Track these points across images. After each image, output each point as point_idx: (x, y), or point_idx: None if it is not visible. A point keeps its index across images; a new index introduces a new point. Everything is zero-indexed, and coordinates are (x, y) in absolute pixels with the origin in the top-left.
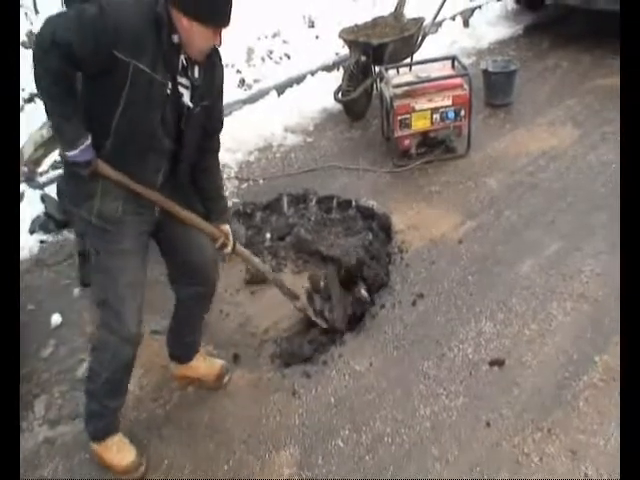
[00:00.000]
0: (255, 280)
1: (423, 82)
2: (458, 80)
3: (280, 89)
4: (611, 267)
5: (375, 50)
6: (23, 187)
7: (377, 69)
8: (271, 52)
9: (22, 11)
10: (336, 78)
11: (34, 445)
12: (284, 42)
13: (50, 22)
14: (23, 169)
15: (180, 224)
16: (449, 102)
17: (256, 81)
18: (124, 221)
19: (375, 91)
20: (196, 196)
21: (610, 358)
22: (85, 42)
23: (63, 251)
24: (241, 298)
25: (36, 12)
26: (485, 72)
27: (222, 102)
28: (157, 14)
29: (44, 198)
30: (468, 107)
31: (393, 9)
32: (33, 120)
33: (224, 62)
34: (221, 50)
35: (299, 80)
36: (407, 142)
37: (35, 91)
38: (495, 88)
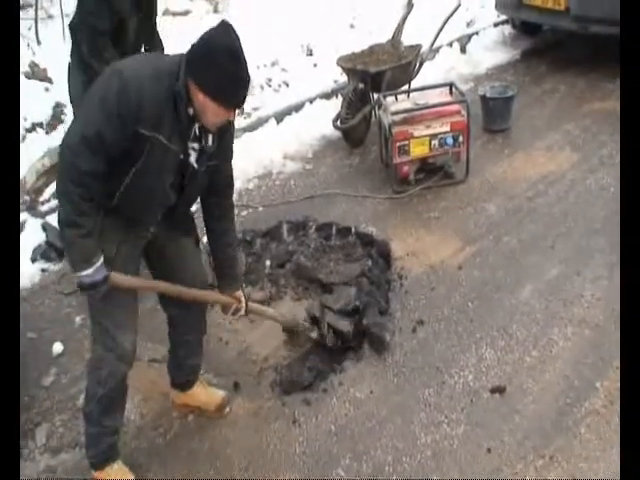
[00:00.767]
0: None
1: (421, 109)
2: (456, 106)
3: (279, 117)
4: (611, 292)
5: (373, 77)
6: (25, 216)
7: (375, 96)
8: (270, 80)
9: (24, 42)
10: (335, 105)
11: (35, 473)
12: (283, 70)
13: (76, 124)
14: (25, 198)
15: (173, 242)
16: (447, 128)
17: (255, 109)
18: (118, 258)
19: (374, 118)
20: (193, 223)
21: (611, 384)
22: (111, 125)
23: (64, 279)
24: (240, 326)
25: (38, 43)
26: (483, 98)
27: (232, 159)
28: (176, 90)
29: (45, 227)
30: (466, 133)
31: (390, 37)
32: (34, 149)
33: None
34: None
35: (298, 108)
36: (406, 168)
37: (36, 120)
38: (493, 114)
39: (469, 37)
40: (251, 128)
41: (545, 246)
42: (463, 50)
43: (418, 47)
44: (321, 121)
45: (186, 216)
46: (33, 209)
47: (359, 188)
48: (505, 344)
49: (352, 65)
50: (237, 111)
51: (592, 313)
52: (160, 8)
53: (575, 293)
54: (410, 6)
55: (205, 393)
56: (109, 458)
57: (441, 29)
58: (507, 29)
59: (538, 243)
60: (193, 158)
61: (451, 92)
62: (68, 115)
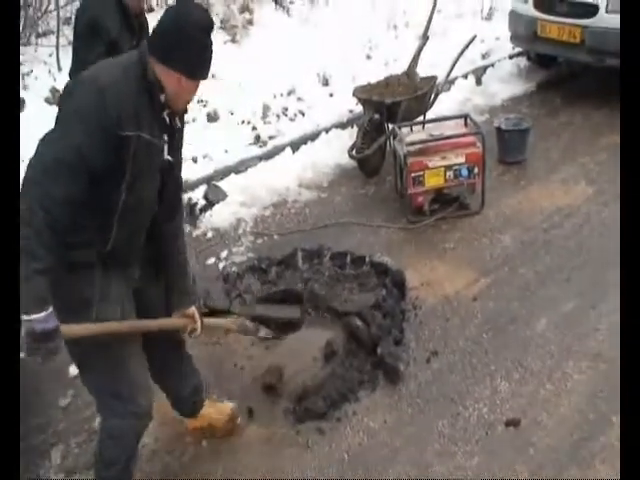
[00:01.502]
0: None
1: (436, 140)
2: (471, 138)
3: (295, 146)
4: None
5: (389, 108)
6: None
7: (391, 127)
8: (286, 109)
9: (45, 68)
10: (350, 135)
11: None
12: (299, 99)
13: (49, 145)
14: None
15: (154, 288)
16: (462, 160)
17: (271, 138)
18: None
19: (389, 148)
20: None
21: None
22: (93, 138)
23: None
24: (255, 352)
25: (59, 69)
26: (498, 130)
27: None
28: (149, 80)
29: None
30: (481, 164)
31: (406, 68)
32: None
33: (241, 119)
34: (236, 107)
35: (313, 137)
36: (421, 199)
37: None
38: (508, 145)
39: (484, 69)
40: (267, 157)
41: (560, 279)
42: (478, 82)
43: (434, 78)
44: (336, 150)
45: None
46: None
47: (374, 218)
48: (520, 377)
49: (368, 96)
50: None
51: (607, 347)
52: None
53: (590, 326)
54: (425, 38)
55: (214, 410)
56: None
57: (456, 61)
58: (522, 61)
59: (553, 275)
60: (166, 151)
61: (466, 124)
62: None
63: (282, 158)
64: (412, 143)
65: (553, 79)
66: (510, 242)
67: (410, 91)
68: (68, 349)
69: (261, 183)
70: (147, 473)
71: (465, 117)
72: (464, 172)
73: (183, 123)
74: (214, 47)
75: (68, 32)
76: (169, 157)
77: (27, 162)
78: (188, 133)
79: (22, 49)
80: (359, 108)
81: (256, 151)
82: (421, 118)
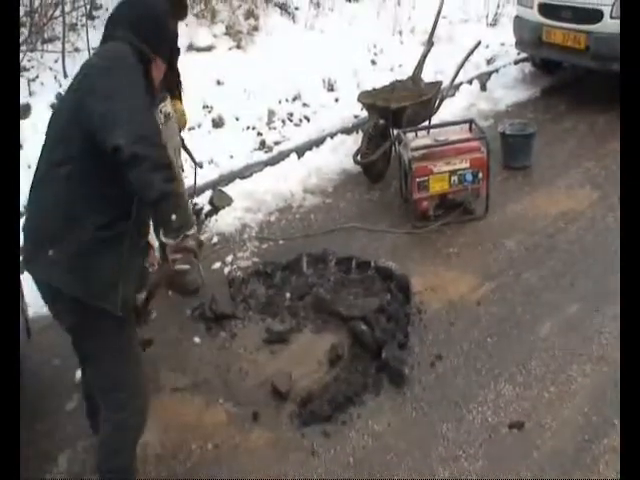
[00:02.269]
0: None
1: (441, 145)
2: (476, 143)
3: (300, 151)
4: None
5: (393, 114)
6: None
7: (395, 132)
8: (291, 115)
9: (52, 74)
10: (355, 140)
11: None
12: (304, 105)
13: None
14: None
15: None
16: (467, 165)
17: (276, 143)
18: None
19: (394, 153)
20: None
21: None
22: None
23: None
24: (260, 357)
25: (65, 75)
26: (503, 135)
27: None
28: (147, 67)
29: None
30: (486, 170)
31: (411, 73)
32: None
33: (246, 124)
34: (241, 112)
35: (319, 142)
36: (425, 204)
37: None
38: (513, 151)
39: (489, 74)
40: (272, 162)
41: (564, 283)
42: (483, 87)
43: (438, 84)
44: (342, 156)
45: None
46: None
47: (379, 223)
48: (524, 380)
49: (373, 101)
50: None
51: (611, 350)
52: (184, 44)
53: (594, 330)
54: (430, 43)
55: None
56: None
57: (461, 66)
58: (527, 67)
59: (558, 280)
60: None
61: (471, 129)
62: None
63: (287, 163)
64: (417, 148)
65: (558, 85)
66: (514, 247)
67: (415, 96)
68: (80, 345)
69: (266, 188)
70: (152, 478)
71: (470, 122)
72: (469, 177)
73: None
74: (219, 51)
75: (74, 38)
76: None
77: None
78: (194, 138)
79: (28, 55)
80: (364, 113)
81: (261, 156)
82: (426, 123)
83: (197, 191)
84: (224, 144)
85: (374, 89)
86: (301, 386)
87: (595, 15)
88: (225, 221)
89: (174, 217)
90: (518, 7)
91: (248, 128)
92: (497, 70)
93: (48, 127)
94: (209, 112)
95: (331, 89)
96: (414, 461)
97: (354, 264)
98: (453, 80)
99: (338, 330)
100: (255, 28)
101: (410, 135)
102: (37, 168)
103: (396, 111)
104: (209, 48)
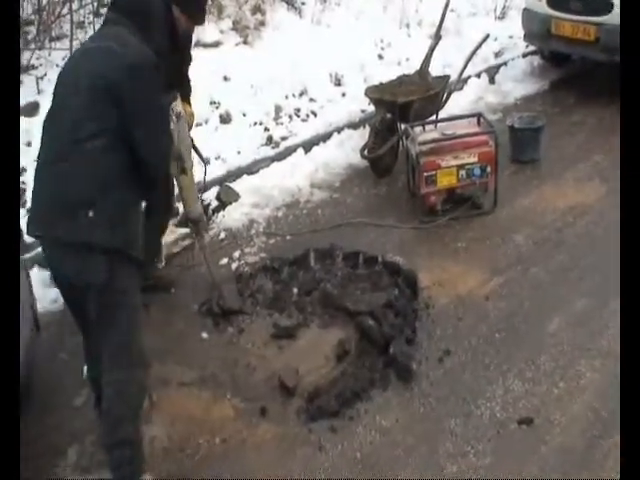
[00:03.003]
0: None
1: (449, 139)
2: (484, 137)
3: (307, 146)
4: None
5: (400, 108)
6: None
7: (403, 126)
8: (298, 110)
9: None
10: (362, 135)
11: None
12: (311, 100)
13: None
14: None
15: None
16: (475, 159)
17: (283, 138)
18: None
19: (401, 148)
20: None
21: None
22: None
23: None
24: (268, 352)
25: None
26: (511, 128)
27: None
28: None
29: None
30: (494, 164)
31: (418, 67)
32: None
33: (253, 120)
34: (248, 108)
35: (326, 137)
36: (433, 199)
37: None
38: (521, 144)
39: (498, 67)
40: (279, 157)
41: (573, 278)
42: (492, 80)
43: (446, 78)
44: (349, 151)
45: None
46: None
47: (386, 217)
48: (532, 375)
49: (380, 95)
50: None
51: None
52: None
53: (603, 325)
54: (438, 37)
55: None
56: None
57: (469, 59)
58: (536, 60)
59: (566, 275)
60: None
61: (479, 122)
62: None
63: (294, 159)
64: (424, 142)
65: (567, 77)
66: (523, 241)
67: (422, 90)
68: (93, 297)
69: (273, 184)
70: (160, 471)
71: (478, 116)
72: (477, 171)
73: None
74: (226, 47)
75: (82, 36)
76: None
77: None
78: (201, 134)
79: (36, 53)
80: (371, 108)
81: (268, 152)
82: (434, 117)
83: (204, 187)
84: (231, 140)
85: (381, 83)
86: (308, 381)
87: (605, 6)
88: (232, 217)
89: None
90: None
91: (255, 124)
92: (506, 63)
93: (59, 109)
94: (216, 108)
95: (338, 84)
96: (422, 457)
97: (361, 259)
98: (461, 73)
99: (345, 325)
100: (262, 23)
101: (417, 129)
102: (48, 147)
103: (403, 105)
104: (216, 44)
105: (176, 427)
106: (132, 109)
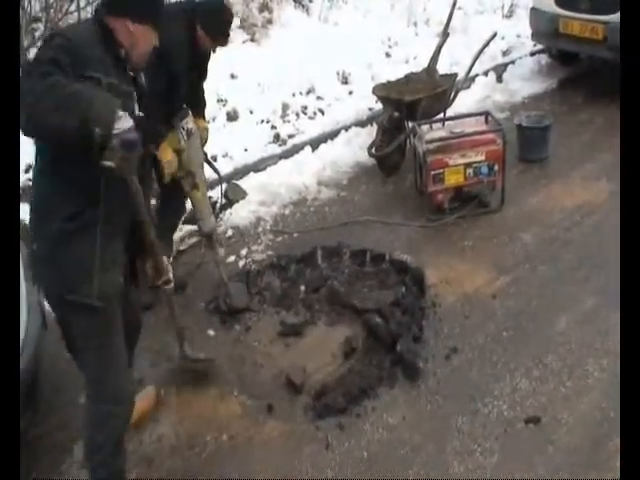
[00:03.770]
0: None
1: (456, 138)
2: (491, 135)
3: (314, 144)
4: None
5: (408, 106)
6: None
7: (410, 124)
8: (305, 108)
9: None
10: (370, 133)
11: None
12: (318, 98)
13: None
14: None
15: None
16: (482, 157)
17: (290, 136)
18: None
19: (408, 146)
20: None
21: None
22: (63, 58)
23: None
24: (274, 349)
25: None
26: (519, 127)
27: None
28: (103, 30)
29: None
30: (502, 162)
31: (426, 65)
32: None
33: (260, 118)
34: (255, 105)
35: (333, 135)
36: (440, 197)
37: None
38: (529, 143)
39: (505, 66)
40: (286, 155)
41: (581, 276)
42: (499, 79)
43: (454, 76)
44: (356, 149)
45: None
46: None
47: (393, 215)
48: (540, 374)
49: (387, 93)
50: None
51: None
52: None
53: (610, 324)
54: (446, 35)
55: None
56: None
57: (477, 58)
58: (544, 58)
59: (574, 273)
60: (136, 108)
61: (487, 121)
62: None
63: (301, 156)
64: (432, 141)
65: (574, 76)
66: (530, 240)
67: (430, 89)
68: (65, 339)
69: (281, 181)
70: (167, 469)
71: (486, 114)
72: (484, 170)
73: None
74: (233, 44)
75: None
76: (140, 113)
77: None
78: (208, 132)
79: None
80: (379, 106)
81: (276, 150)
82: (441, 115)
83: (211, 184)
84: (238, 137)
85: (388, 81)
86: (315, 379)
87: (613, 5)
88: (239, 214)
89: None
90: None
91: (262, 121)
92: (513, 62)
93: None
94: (223, 106)
95: (345, 82)
96: (429, 455)
97: (369, 257)
98: (468, 72)
99: (352, 323)
100: (269, 21)
101: (425, 127)
102: None
103: (411, 103)
104: None
105: (184, 425)
106: None
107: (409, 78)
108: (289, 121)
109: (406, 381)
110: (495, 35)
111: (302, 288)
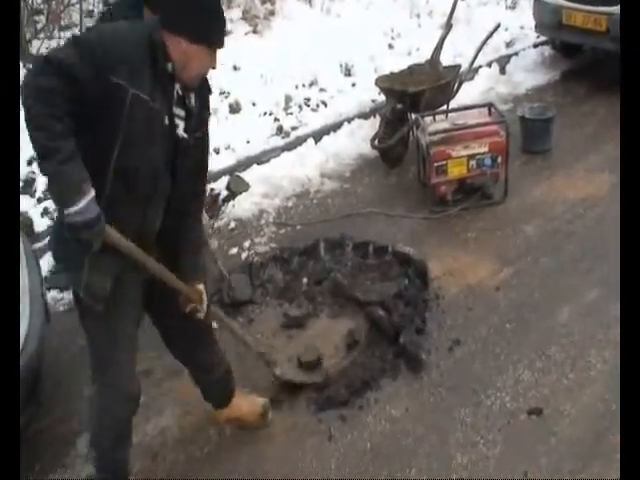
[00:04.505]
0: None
1: (460, 129)
2: (495, 127)
3: (317, 136)
4: None
5: (411, 98)
6: None
7: (413, 116)
8: (308, 100)
9: None
10: (372, 125)
11: None
12: (321, 90)
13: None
14: None
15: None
16: (486, 149)
17: (293, 128)
18: (115, 299)
19: (412, 138)
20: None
21: None
22: (84, 63)
23: None
24: (277, 342)
25: None
26: (522, 119)
27: (209, 136)
28: (153, 42)
29: None
30: (505, 154)
31: (429, 57)
32: None
33: (263, 110)
34: (258, 98)
35: (336, 127)
36: (443, 189)
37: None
38: (532, 135)
39: (508, 58)
40: (289, 147)
41: (583, 268)
42: (502, 71)
43: (457, 67)
44: (359, 140)
45: (176, 235)
46: None
47: (396, 207)
48: (543, 366)
49: (390, 85)
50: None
51: None
52: None
53: (613, 315)
54: (449, 26)
55: (247, 403)
56: None
57: (480, 49)
58: (547, 50)
59: (577, 265)
60: (181, 128)
61: (490, 112)
62: None
63: (304, 149)
64: (435, 132)
65: (578, 68)
66: (533, 232)
67: (433, 80)
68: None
69: (283, 174)
70: (171, 462)
71: (489, 106)
72: (487, 161)
73: (204, 104)
74: (236, 36)
75: (91, 25)
76: (185, 134)
77: None
78: (210, 124)
79: (46, 43)
80: (382, 98)
81: (278, 142)
82: (444, 107)
83: (214, 177)
84: (241, 129)
85: (392, 73)
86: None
87: None
88: (242, 207)
89: None
90: None
91: (265, 113)
92: (517, 53)
93: None
94: (226, 97)
95: (348, 74)
96: (431, 446)
97: (371, 249)
98: (472, 63)
99: (355, 315)
100: (272, 13)
101: (428, 119)
102: None
103: (414, 95)
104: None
105: (187, 418)
106: None
107: (412, 70)
108: (292, 113)
109: (409, 373)
110: (498, 27)
111: (305, 280)
